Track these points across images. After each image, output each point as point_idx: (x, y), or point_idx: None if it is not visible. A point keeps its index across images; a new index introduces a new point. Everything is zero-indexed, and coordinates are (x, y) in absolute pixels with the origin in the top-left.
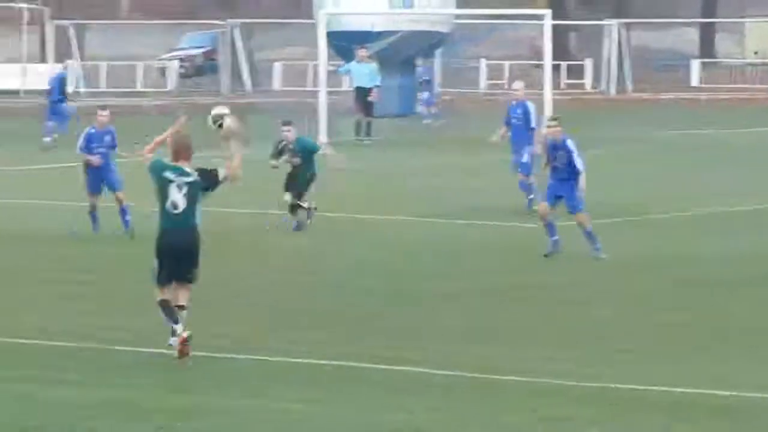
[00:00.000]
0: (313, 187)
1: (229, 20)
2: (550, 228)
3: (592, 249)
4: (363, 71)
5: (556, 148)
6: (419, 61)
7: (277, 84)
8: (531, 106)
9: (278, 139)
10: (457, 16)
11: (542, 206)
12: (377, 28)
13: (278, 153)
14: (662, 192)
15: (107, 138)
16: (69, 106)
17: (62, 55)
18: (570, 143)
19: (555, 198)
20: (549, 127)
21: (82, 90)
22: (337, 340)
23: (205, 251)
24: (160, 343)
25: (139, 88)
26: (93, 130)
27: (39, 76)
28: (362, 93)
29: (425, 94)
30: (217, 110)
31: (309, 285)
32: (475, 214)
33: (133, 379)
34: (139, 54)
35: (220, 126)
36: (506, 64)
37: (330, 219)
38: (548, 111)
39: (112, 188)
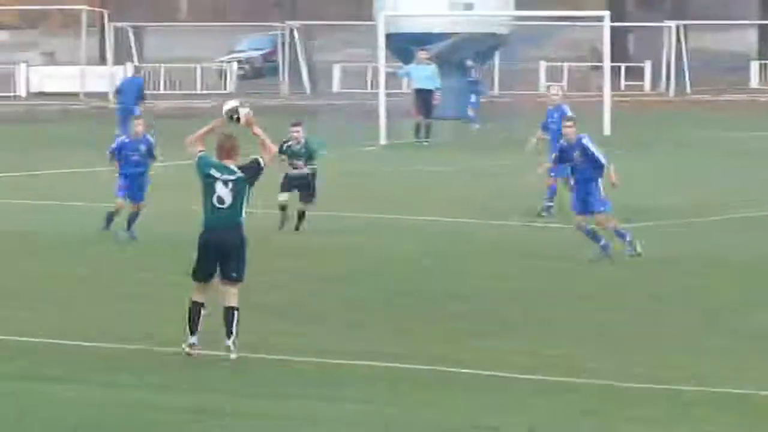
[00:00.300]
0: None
1: (289, 22)
2: (591, 235)
3: (625, 247)
4: (422, 73)
5: (572, 149)
6: (469, 62)
7: (336, 86)
8: (568, 110)
9: (284, 139)
10: (516, 18)
11: (576, 219)
12: (436, 30)
13: (282, 153)
14: (739, 191)
15: (142, 147)
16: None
17: (121, 58)
18: (586, 141)
19: (583, 203)
20: (565, 127)
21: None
22: (391, 341)
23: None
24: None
25: (198, 90)
26: (127, 140)
27: (98, 79)
28: (422, 95)
29: (472, 97)
30: (229, 105)
31: (368, 286)
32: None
33: (200, 383)
34: (197, 56)
35: (238, 120)
36: (565, 66)
37: (386, 221)
38: (607, 113)
39: (135, 198)
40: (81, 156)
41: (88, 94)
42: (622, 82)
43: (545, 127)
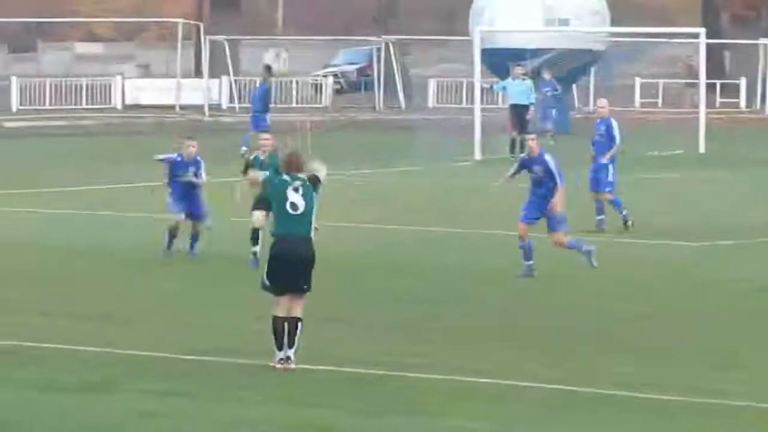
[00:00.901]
0: None
1: (384, 37)
2: (526, 251)
3: (585, 260)
4: (518, 89)
5: (533, 163)
6: (546, 75)
7: (431, 101)
8: (614, 122)
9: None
10: (612, 34)
11: (521, 227)
12: (532, 46)
13: (246, 167)
14: None
15: (192, 169)
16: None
17: (217, 71)
18: (548, 157)
19: (533, 218)
20: (530, 140)
21: (236, 106)
22: (530, 358)
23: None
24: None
25: (293, 104)
26: (180, 159)
27: (193, 92)
28: (517, 110)
29: (551, 111)
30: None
31: (489, 303)
32: (630, 233)
33: (324, 399)
34: (293, 70)
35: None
36: (660, 82)
37: (479, 236)
38: (702, 130)
39: (198, 219)
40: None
41: (184, 107)
42: (717, 100)
43: (594, 141)
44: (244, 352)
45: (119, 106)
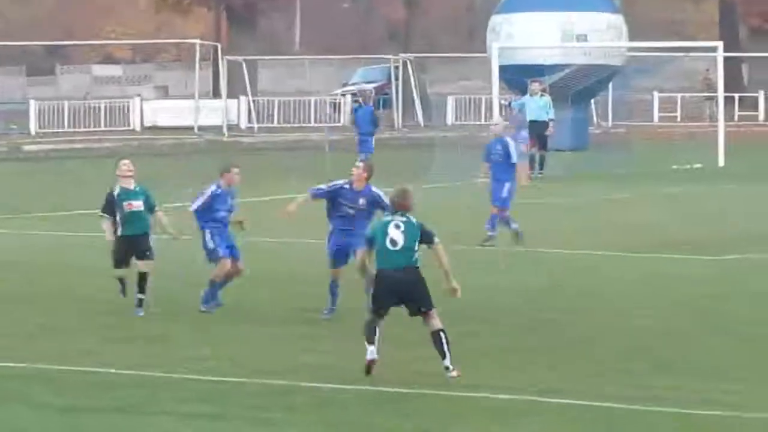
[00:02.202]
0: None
1: (402, 55)
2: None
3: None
4: (536, 105)
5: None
6: (512, 99)
7: (449, 118)
8: (510, 142)
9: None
10: (630, 49)
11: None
12: (550, 62)
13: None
14: None
15: (229, 200)
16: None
17: (235, 91)
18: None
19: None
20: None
21: (255, 126)
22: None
23: None
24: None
25: (311, 123)
26: (219, 191)
27: (211, 112)
28: (535, 126)
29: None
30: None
31: (523, 320)
32: (661, 248)
33: (367, 419)
34: (311, 89)
35: None
36: (679, 96)
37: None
38: (721, 144)
39: (236, 257)
40: (196, 189)
41: (202, 128)
42: (736, 113)
43: (487, 159)
44: (281, 373)
45: (138, 127)
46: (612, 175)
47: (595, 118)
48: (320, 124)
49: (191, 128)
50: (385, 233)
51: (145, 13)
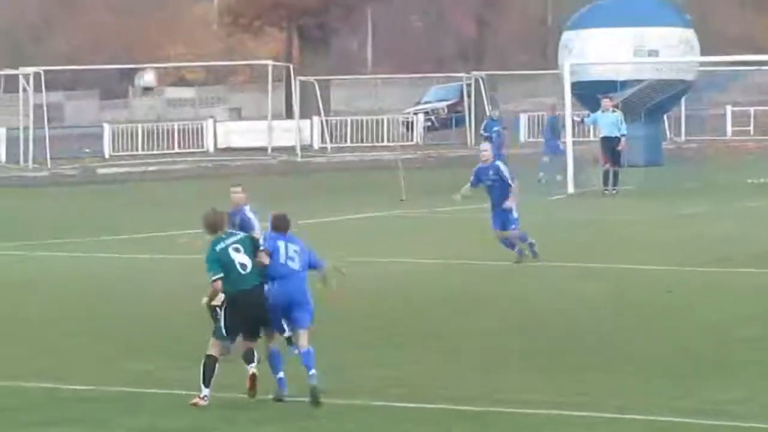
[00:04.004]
0: None
1: (474, 72)
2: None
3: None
4: (608, 121)
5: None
6: (495, 113)
7: (523, 135)
8: (501, 166)
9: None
10: (702, 63)
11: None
12: (622, 78)
13: None
14: None
15: (237, 219)
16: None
17: (308, 112)
18: (499, 163)
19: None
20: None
21: (328, 146)
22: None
23: None
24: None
25: (384, 142)
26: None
27: (285, 133)
28: (608, 143)
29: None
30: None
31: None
32: (730, 263)
33: None
34: (384, 108)
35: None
36: (751, 110)
37: (574, 269)
38: None
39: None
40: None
41: (275, 149)
42: None
43: (475, 184)
44: (360, 393)
45: (211, 149)
46: (686, 190)
47: (667, 134)
48: (393, 143)
49: (265, 149)
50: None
51: (216, 34)
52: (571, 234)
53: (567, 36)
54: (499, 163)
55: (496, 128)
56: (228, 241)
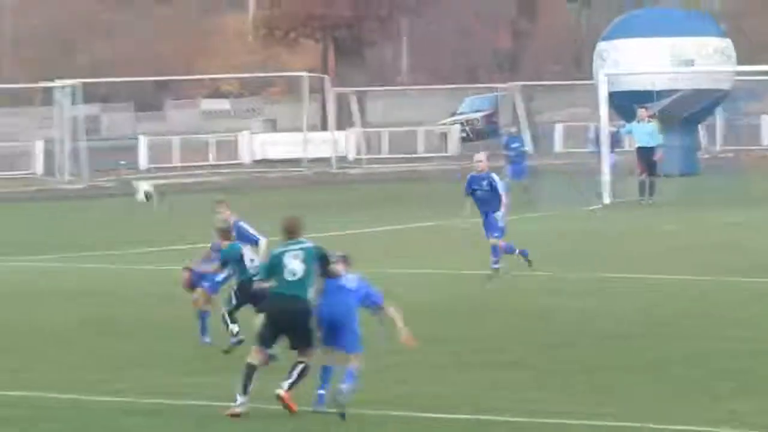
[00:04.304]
0: None
1: (510, 83)
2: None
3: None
4: (644, 131)
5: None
6: (513, 129)
7: (558, 146)
8: (495, 177)
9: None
10: (738, 73)
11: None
12: (658, 87)
13: None
14: None
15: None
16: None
17: (343, 123)
18: (494, 175)
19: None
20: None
21: (363, 157)
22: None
23: None
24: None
25: (420, 153)
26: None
27: (321, 145)
28: (644, 153)
29: (514, 167)
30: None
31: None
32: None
33: None
34: (419, 119)
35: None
36: None
37: (613, 280)
38: None
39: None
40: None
41: (311, 160)
42: None
43: (470, 193)
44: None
45: (247, 161)
46: (723, 199)
47: (703, 143)
48: (430, 154)
49: (300, 161)
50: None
51: (252, 47)
52: (602, 245)
53: (601, 46)
54: (494, 174)
55: (515, 144)
56: (290, 248)
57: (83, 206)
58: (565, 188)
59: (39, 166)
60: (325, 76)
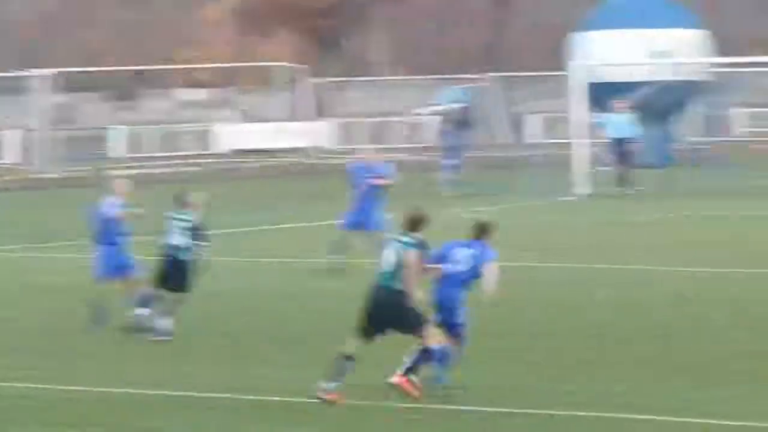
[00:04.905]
0: None
1: (488, 74)
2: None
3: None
4: (620, 122)
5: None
6: (448, 126)
7: (536, 136)
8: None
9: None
10: (715, 65)
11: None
12: (635, 79)
13: None
14: None
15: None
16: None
17: (321, 113)
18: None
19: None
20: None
21: (339, 147)
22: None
23: None
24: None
25: (399, 144)
26: None
27: (296, 135)
28: (620, 144)
29: (450, 161)
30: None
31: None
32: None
33: None
34: (397, 110)
35: None
36: (766, 111)
37: (586, 271)
38: None
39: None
40: (283, 212)
41: (287, 150)
42: None
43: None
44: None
45: (220, 151)
46: (700, 191)
47: (679, 135)
48: (407, 145)
49: (276, 151)
50: None
51: (227, 36)
52: (578, 236)
53: (575, 38)
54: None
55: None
56: (397, 238)
57: (58, 195)
58: (541, 179)
59: (17, 156)
60: (303, 66)
